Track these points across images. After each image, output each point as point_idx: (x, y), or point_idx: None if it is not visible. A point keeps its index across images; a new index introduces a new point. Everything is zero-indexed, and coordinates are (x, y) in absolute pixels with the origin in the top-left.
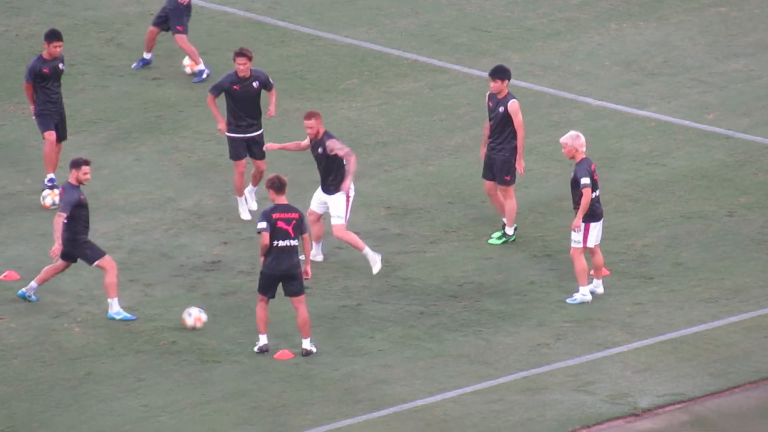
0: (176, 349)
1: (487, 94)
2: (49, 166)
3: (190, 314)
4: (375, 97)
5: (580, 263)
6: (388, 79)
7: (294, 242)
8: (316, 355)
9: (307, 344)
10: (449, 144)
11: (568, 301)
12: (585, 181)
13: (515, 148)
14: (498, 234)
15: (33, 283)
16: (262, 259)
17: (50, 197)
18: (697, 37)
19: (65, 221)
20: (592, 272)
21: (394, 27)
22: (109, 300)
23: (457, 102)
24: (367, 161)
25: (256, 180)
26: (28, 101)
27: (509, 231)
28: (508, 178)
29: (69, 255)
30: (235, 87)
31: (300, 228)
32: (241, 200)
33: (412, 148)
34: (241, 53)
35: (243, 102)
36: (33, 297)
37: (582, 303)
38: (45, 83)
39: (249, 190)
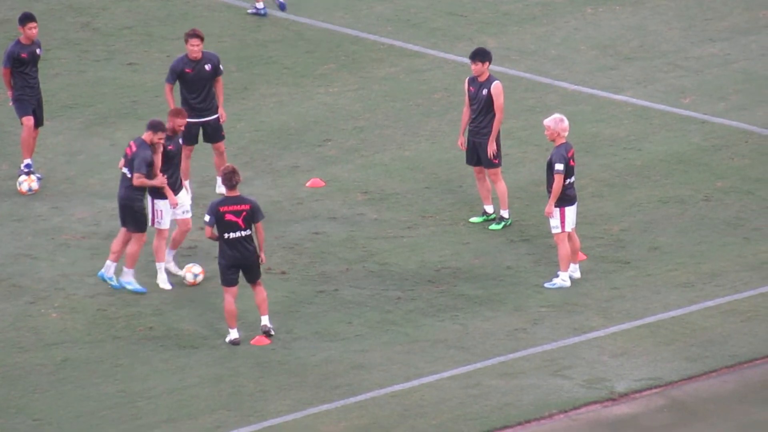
0: (153, 335)
1: (467, 79)
2: (26, 151)
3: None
4: (351, 82)
5: (564, 248)
6: (364, 64)
7: (245, 233)
8: (293, 340)
9: (266, 320)
10: (426, 129)
11: (546, 285)
12: (558, 167)
13: (499, 130)
14: (480, 219)
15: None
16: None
17: (26, 183)
18: (673, 22)
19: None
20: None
21: (370, 12)
22: (126, 269)
23: (434, 87)
24: (344, 146)
25: (222, 167)
26: (6, 86)
27: (505, 214)
28: (496, 161)
29: (124, 219)
30: (187, 70)
31: (251, 218)
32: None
33: (388, 133)
34: (194, 34)
35: (196, 85)
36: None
37: (560, 288)
38: (23, 68)
39: (218, 182)
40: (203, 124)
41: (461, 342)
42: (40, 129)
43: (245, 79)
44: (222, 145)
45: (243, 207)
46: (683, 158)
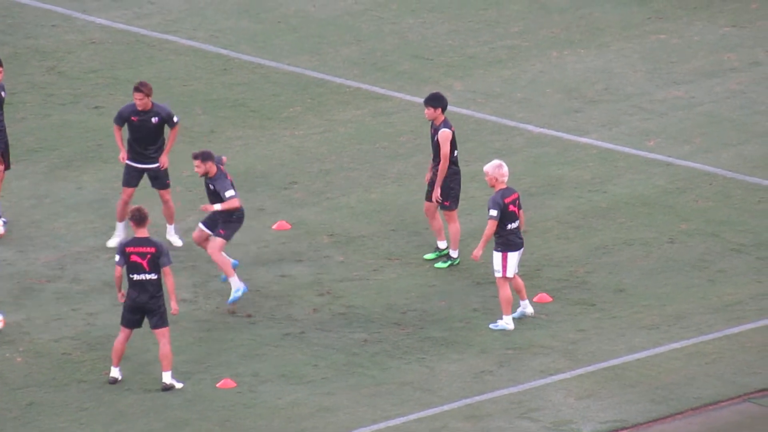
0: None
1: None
2: None
3: None
4: (317, 124)
5: (503, 292)
6: (330, 107)
7: (150, 276)
8: (259, 383)
9: (167, 378)
10: (392, 171)
11: (491, 326)
12: (492, 213)
13: (455, 173)
14: (433, 255)
15: None
16: (117, 290)
17: None
18: (638, 65)
19: None
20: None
21: (336, 55)
22: None
23: (400, 129)
24: (310, 189)
25: (169, 216)
26: None
27: (454, 254)
28: (447, 203)
29: None
30: (133, 118)
31: (156, 262)
32: (119, 226)
33: (354, 175)
34: (137, 88)
35: (139, 134)
36: None
37: (504, 330)
38: None
39: (168, 230)
40: (146, 170)
41: (427, 384)
42: (6, 172)
43: (211, 122)
44: (166, 193)
45: (148, 249)
46: (648, 200)
